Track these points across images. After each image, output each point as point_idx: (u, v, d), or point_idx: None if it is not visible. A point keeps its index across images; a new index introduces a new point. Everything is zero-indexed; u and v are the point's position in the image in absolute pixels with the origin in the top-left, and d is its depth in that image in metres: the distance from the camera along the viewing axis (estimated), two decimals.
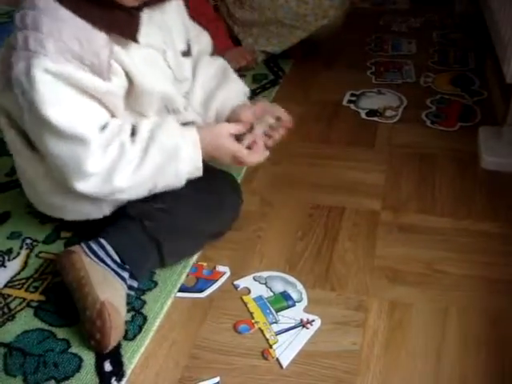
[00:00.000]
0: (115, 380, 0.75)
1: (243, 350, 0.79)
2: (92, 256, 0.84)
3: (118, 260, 0.85)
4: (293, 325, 0.82)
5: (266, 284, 0.89)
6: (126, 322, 0.82)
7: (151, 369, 0.77)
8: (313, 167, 1.19)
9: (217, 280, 0.91)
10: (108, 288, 0.80)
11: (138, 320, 0.83)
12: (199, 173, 0.87)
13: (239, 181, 1.10)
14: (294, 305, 0.86)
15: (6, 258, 0.96)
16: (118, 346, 0.79)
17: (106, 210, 0.91)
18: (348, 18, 1.68)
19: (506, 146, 1.18)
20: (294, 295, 0.87)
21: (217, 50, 1.10)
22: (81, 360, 0.78)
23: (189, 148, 0.85)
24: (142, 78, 0.84)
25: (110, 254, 0.85)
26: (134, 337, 0.81)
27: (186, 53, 0.96)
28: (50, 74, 0.75)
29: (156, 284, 0.90)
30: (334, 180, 1.15)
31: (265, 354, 0.78)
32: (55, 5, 0.76)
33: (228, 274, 0.92)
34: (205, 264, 0.94)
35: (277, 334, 0.81)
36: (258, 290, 0.89)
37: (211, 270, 0.93)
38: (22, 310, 0.86)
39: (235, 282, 0.90)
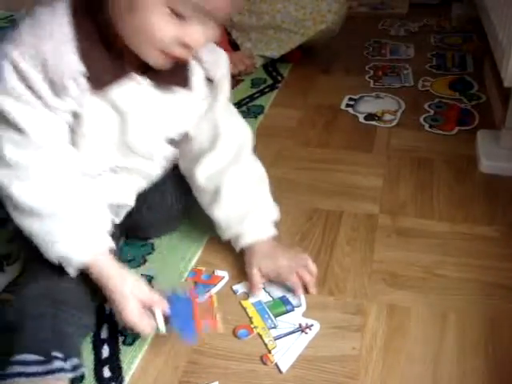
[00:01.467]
0: None
1: (242, 354, 0.79)
2: (7, 381, 0.69)
3: (37, 358, 0.69)
4: (291, 330, 0.82)
5: (264, 289, 0.89)
6: (126, 328, 0.82)
7: (150, 374, 0.77)
8: (311, 171, 1.19)
9: (215, 284, 0.91)
10: None
11: None
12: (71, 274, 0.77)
13: None
14: (292, 310, 0.86)
15: (5, 262, 0.95)
16: (117, 352, 0.79)
17: None
18: (346, 23, 1.69)
19: (504, 149, 1.18)
20: (293, 300, 0.87)
21: None
22: None
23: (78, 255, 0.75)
24: (90, 129, 0.78)
25: (24, 360, 0.69)
26: (133, 342, 0.81)
27: (173, 142, 0.88)
28: (13, 67, 0.71)
29: (150, 283, 0.90)
30: (332, 184, 1.16)
31: (264, 358, 0.78)
32: (65, 13, 0.73)
33: (227, 278, 0.92)
34: (203, 268, 0.94)
35: (276, 339, 0.80)
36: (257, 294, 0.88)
37: (210, 274, 0.93)
38: None
39: (234, 287, 0.90)
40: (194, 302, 0.80)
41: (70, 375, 0.71)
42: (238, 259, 0.95)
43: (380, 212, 1.07)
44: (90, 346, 0.80)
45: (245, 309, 0.86)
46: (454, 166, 1.20)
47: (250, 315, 0.85)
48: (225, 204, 0.91)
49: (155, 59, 0.74)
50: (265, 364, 0.77)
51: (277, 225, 0.92)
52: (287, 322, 0.84)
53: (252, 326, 0.83)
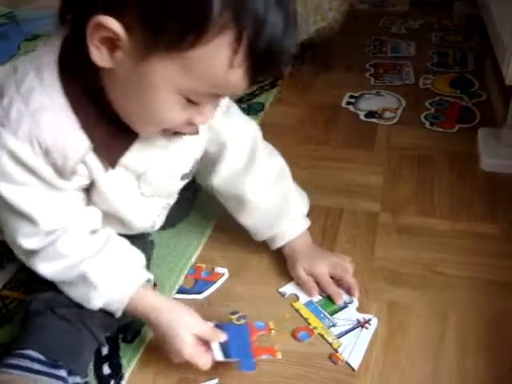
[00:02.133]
0: (114, 382, 0.75)
1: None
2: (13, 371, 0.69)
3: (45, 359, 0.70)
4: (352, 326, 0.81)
5: None
6: (125, 325, 0.81)
7: (150, 371, 0.77)
8: (311, 168, 1.19)
9: (215, 281, 0.90)
10: None
11: (136, 322, 0.82)
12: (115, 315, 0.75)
13: None
14: (346, 306, 0.85)
15: (5, 259, 0.95)
16: (117, 349, 0.79)
17: None
18: (347, 20, 1.68)
19: (505, 147, 1.18)
20: (343, 296, 0.87)
21: None
22: None
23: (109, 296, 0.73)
24: (112, 198, 0.76)
25: (33, 357, 0.70)
26: (133, 339, 0.81)
27: (186, 175, 0.85)
28: (11, 156, 0.65)
29: (154, 286, 0.89)
30: (332, 181, 1.15)
31: (333, 358, 0.77)
32: (56, 82, 0.65)
33: (227, 275, 0.92)
34: (203, 265, 0.94)
35: (338, 338, 0.80)
36: (305, 295, 0.88)
37: (210, 271, 0.93)
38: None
39: (281, 290, 0.89)
40: (250, 328, 0.79)
41: None
42: (238, 256, 0.95)
43: (381, 210, 1.06)
44: None
45: (298, 310, 0.85)
46: (454, 163, 1.20)
47: (305, 316, 0.84)
48: (251, 211, 0.90)
49: (153, 134, 0.72)
50: (335, 363, 0.76)
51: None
52: (344, 319, 0.83)
53: (311, 327, 0.82)
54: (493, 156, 1.17)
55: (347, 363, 0.76)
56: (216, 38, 0.57)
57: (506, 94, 1.25)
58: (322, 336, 0.80)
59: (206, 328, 0.75)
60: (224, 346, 0.74)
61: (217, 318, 0.80)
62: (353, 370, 0.75)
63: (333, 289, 0.87)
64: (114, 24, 0.57)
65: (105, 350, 0.79)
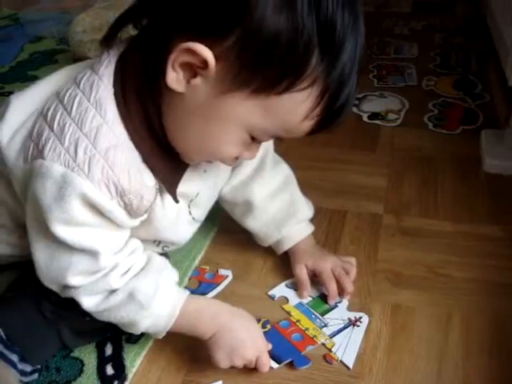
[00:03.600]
0: (117, 383, 0.75)
1: None
2: None
3: (4, 337, 0.71)
4: (343, 325, 0.82)
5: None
6: None
7: (153, 372, 0.77)
8: (315, 170, 1.19)
9: (219, 284, 0.90)
10: None
11: None
12: (159, 336, 0.75)
13: None
14: (336, 306, 0.85)
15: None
16: (120, 350, 0.79)
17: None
18: None
19: (509, 149, 1.18)
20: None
21: None
22: (82, 364, 0.77)
23: (163, 310, 0.71)
24: (163, 229, 0.75)
25: None
26: (136, 340, 0.81)
27: (220, 192, 0.88)
28: (83, 201, 0.61)
29: None
30: (335, 183, 1.15)
31: (327, 358, 0.77)
32: (117, 117, 0.61)
33: (230, 277, 0.92)
34: (207, 267, 0.94)
35: (331, 337, 0.80)
36: (295, 296, 0.88)
37: (213, 273, 0.93)
38: None
39: (270, 293, 0.89)
40: (279, 330, 0.80)
41: (14, 372, 0.71)
42: (242, 258, 0.95)
43: (384, 211, 1.06)
44: (93, 343, 0.80)
45: (289, 313, 0.85)
46: (458, 165, 1.19)
47: (297, 318, 0.84)
48: (259, 215, 0.90)
49: (196, 162, 0.72)
50: (330, 363, 0.76)
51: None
52: (336, 318, 0.83)
53: (302, 328, 0.82)
54: (496, 157, 1.17)
55: (342, 362, 0.76)
56: (306, 89, 0.58)
57: (509, 95, 1.25)
58: (314, 337, 0.80)
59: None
60: (270, 354, 0.75)
61: None
62: (348, 368, 0.76)
63: (332, 286, 0.86)
64: (206, 52, 0.55)
65: (108, 351, 0.79)
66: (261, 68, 0.56)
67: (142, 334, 0.80)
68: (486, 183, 1.13)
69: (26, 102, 0.66)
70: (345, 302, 0.86)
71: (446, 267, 0.92)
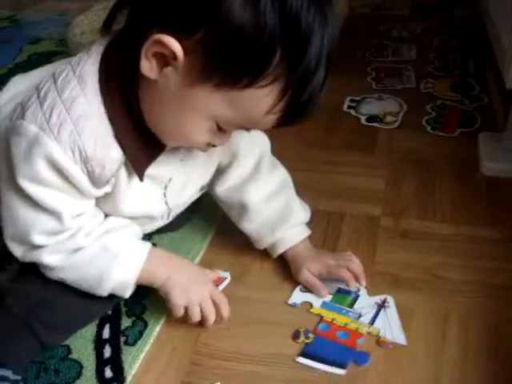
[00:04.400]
0: None
1: (244, 355, 0.79)
2: None
3: None
4: (376, 310, 0.83)
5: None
6: (127, 328, 0.82)
7: (152, 374, 0.77)
8: (313, 172, 1.19)
9: (217, 285, 0.90)
10: None
11: (138, 325, 0.83)
12: (124, 294, 0.78)
13: None
14: (357, 295, 0.86)
15: (6, 261, 0.95)
16: (119, 352, 0.79)
17: None
18: (348, 24, 1.69)
19: (506, 151, 1.18)
20: (349, 288, 0.87)
21: None
22: (81, 366, 0.78)
23: (129, 260, 0.76)
24: (126, 205, 0.77)
25: None
26: (135, 342, 0.81)
27: (204, 187, 0.90)
28: (49, 162, 0.65)
29: None
30: (333, 185, 1.16)
31: (381, 344, 0.78)
32: (97, 91, 0.66)
33: (229, 279, 0.92)
34: (207, 270, 0.94)
35: (371, 325, 0.81)
36: (316, 298, 0.87)
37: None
38: None
39: (290, 302, 0.87)
40: (323, 335, 0.80)
41: None
42: (240, 260, 0.95)
43: (382, 214, 1.07)
44: (92, 345, 0.80)
45: (319, 315, 0.84)
46: (455, 167, 1.20)
47: (331, 317, 0.83)
48: (253, 217, 0.91)
49: (172, 145, 0.75)
50: (385, 347, 0.78)
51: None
52: (364, 307, 0.84)
53: (341, 325, 0.82)
54: (494, 160, 1.17)
55: (396, 343, 0.78)
56: (267, 86, 0.60)
57: (506, 98, 1.26)
58: (356, 330, 0.81)
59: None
60: (329, 362, 0.76)
61: None
62: (404, 346, 0.78)
63: (345, 272, 0.86)
64: (175, 45, 0.59)
65: (107, 353, 0.79)
66: (223, 63, 0.59)
67: (140, 336, 0.81)
68: (484, 186, 1.14)
69: (24, 80, 0.76)
70: (363, 290, 0.87)
71: (443, 269, 0.92)
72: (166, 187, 0.81)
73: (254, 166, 0.91)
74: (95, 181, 0.69)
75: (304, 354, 0.78)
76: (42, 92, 0.66)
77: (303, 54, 0.60)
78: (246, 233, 0.93)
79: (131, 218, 0.81)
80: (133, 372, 0.77)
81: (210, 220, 1.04)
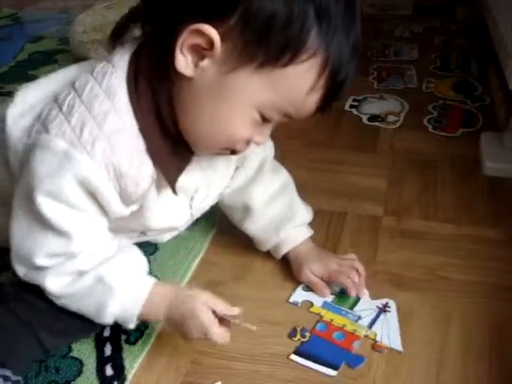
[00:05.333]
0: None
1: (245, 355, 0.78)
2: None
3: None
4: (376, 313, 0.83)
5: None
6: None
7: (152, 373, 0.77)
8: (314, 172, 1.19)
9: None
10: None
11: (139, 324, 0.83)
12: (127, 327, 0.75)
13: None
14: (359, 297, 0.86)
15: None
16: (120, 350, 0.79)
17: None
18: None
19: (508, 151, 1.18)
20: None
21: None
22: (82, 364, 0.77)
23: (127, 298, 0.72)
24: (154, 220, 0.76)
25: None
26: (136, 341, 0.81)
27: (221, 194, 0.89)
28: (79, 181, 0.63)
29: None
30: (335, 185, 1.15)
31: (376, 348, 0.78)
32: (127, 104, 0.63)
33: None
34: None
35: (369, 328, 0.81)
36: (317, 297, 0.87)
37: None
38: None
39: (291, 300, 0.87)
40: (319, 335, 0.80)
41: None
42: (241, 259, 0.95)
43: (384, 213, 1.06)
44: (93, 343, 0.80)
45: (319, 314, 0.84)
46: (457, 167, 1.20)
47: (330, 318, 0.83)
48: (256, 218, 0.91)
49: (207, 154, 0.73)
50: (380, 352, 0.77)
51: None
52: (365, 309, 0.84)
53: (339, 326, 0.82)
54: (496, 160, 1.17)
55: (392, 349, 0.78)
56: (308, 60, 0.60)
57: (509, 98, 1.25)
58: (353, 332, 0.80)
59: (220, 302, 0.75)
60: (322, 362, 0.76)
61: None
62: (399, 352, 0.77)
63: (346, 280, 0.86)
64: (212, 32, 0.58)
65: (108, 351, 0.79)
66: (263, 42, 0.59)
67: (141, 336, 0.80)
68: (486, 186, 1.13)
69: (35, 90, 0.70)
70: (366, 293, 0.87)
71: (445, 269, 0.92)
72: (192, 198, 0.80)
73: (257, 168, 0.91)
74: (125, 198, 0.67)
75: (298, 352, 0.78)
76: (65, 106, 0.64)
77: (337, 28, 0.60)
78: (249, 235, 0.93)
79: (156, 231, 0.81)
80: (133, 371, 0.77)
81: (211, 220, 1.04)
